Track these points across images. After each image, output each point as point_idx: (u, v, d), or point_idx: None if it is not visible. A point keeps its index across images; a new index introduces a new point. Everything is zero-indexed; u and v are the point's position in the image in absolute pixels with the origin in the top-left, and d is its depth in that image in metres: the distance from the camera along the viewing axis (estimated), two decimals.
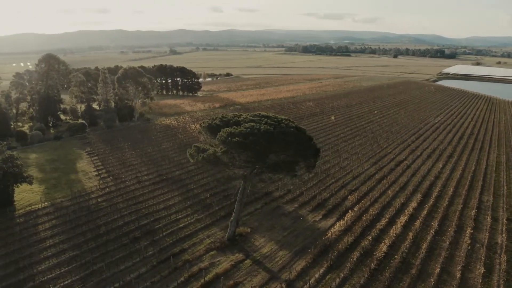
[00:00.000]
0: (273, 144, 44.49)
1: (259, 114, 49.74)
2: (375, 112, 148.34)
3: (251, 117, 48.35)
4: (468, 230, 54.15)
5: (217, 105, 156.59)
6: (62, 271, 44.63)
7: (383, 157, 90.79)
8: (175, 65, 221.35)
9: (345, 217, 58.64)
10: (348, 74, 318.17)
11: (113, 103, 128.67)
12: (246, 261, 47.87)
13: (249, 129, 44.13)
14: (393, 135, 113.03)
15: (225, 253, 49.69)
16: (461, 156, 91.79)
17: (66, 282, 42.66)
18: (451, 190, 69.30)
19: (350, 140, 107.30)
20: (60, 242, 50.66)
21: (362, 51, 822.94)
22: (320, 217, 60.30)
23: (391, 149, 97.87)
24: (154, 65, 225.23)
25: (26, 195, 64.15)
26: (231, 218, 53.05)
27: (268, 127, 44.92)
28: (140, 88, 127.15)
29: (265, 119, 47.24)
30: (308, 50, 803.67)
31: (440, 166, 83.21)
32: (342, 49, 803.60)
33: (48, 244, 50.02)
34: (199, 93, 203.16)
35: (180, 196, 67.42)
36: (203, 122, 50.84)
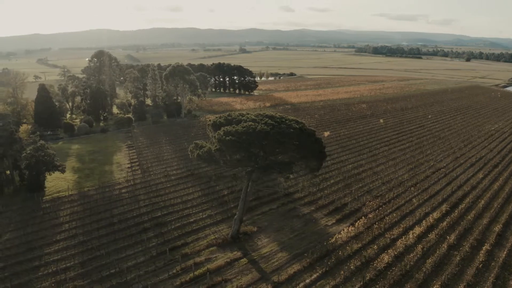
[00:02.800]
0: (268, 144, 44.54)
1: (264, 114, 49.90)
2: (429, 116, 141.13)
3: (254, 117, 48.69)
4: (486, 247, 50.35)
5: (268, 104, 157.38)
6: (67, 254, 48.10)
7: (422, 164, 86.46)
8: (232, 64, 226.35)
9: (357, 224, 57.07)
10: (415, 77, 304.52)
11: (161, 99, 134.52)
12: (241, 260, 48.45)
13: (245, 129, 44.55)
14: (440, 141, 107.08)
15: (224, 250, 50.64)
16: (508, 166, 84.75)
17: (68, 264, 46.07)
18: (483, 202, 64.57)
19: (393, 144, 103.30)
20: (74, 227, 54.57)
21: (434, 53, 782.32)
22: (334, 221, 59.18)
23: (433, 155, 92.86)
24: (213, 63, 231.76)
25: (58, 183, 69.44)
26: (235, 217, 53.81)
27: (266, 127, 45.03)
28: (187, 85, 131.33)
29: (266, 119, 47.34)
30: (378, 51, 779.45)
31: (480, 176, 77.72)
32: (414, 51, 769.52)
33: (63, 229, 54.14)
34: (255, 92, 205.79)
35: (201, 191, 69.26)
36: (210, 120, 52.04)
